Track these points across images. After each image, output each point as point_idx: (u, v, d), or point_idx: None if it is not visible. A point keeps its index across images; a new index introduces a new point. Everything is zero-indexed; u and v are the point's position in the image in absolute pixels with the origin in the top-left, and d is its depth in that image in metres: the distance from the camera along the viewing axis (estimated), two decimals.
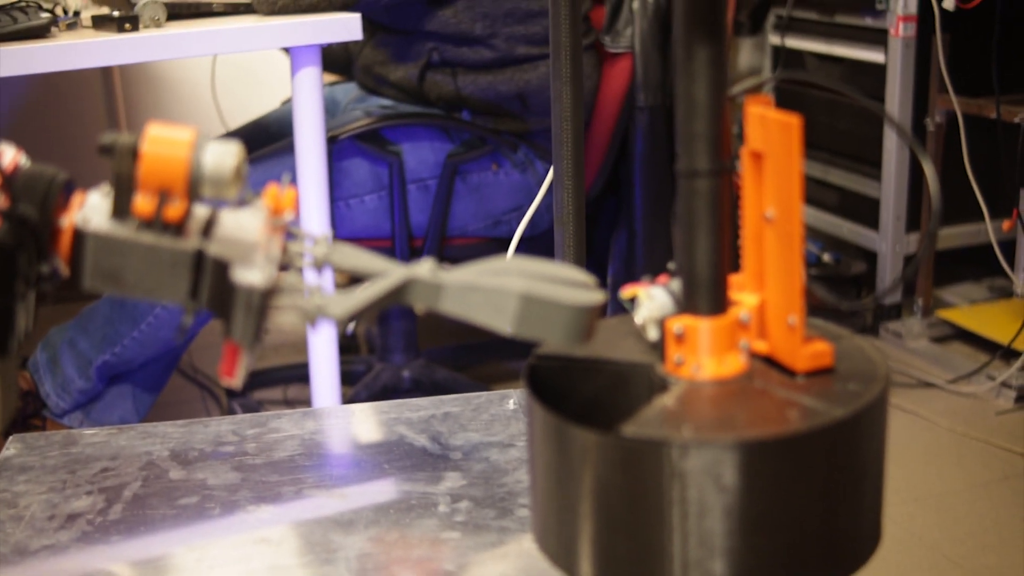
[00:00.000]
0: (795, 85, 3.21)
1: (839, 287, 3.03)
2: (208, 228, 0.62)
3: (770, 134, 0.63)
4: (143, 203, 0.60)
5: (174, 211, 0.61)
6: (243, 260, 0.62)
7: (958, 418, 2.47)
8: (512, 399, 1.20)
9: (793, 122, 0.61)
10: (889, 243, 2.86)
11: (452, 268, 0.66)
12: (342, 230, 2.18)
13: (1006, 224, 2.65)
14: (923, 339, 2.84)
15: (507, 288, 0.63)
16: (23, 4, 1.71)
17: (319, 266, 0.66)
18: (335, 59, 2.53)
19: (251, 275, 0.61)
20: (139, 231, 0.61)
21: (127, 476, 1.08)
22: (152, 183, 0.60)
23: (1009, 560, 1.93)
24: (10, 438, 1.15)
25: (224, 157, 0.61)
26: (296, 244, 0.66)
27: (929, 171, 0.65)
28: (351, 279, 0.66)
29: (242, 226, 0.62)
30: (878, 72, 2.83)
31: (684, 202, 0.65)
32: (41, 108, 3.32)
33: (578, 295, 0.65)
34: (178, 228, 0.61)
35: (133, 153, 0.60)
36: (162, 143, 0.60)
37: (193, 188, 0.61)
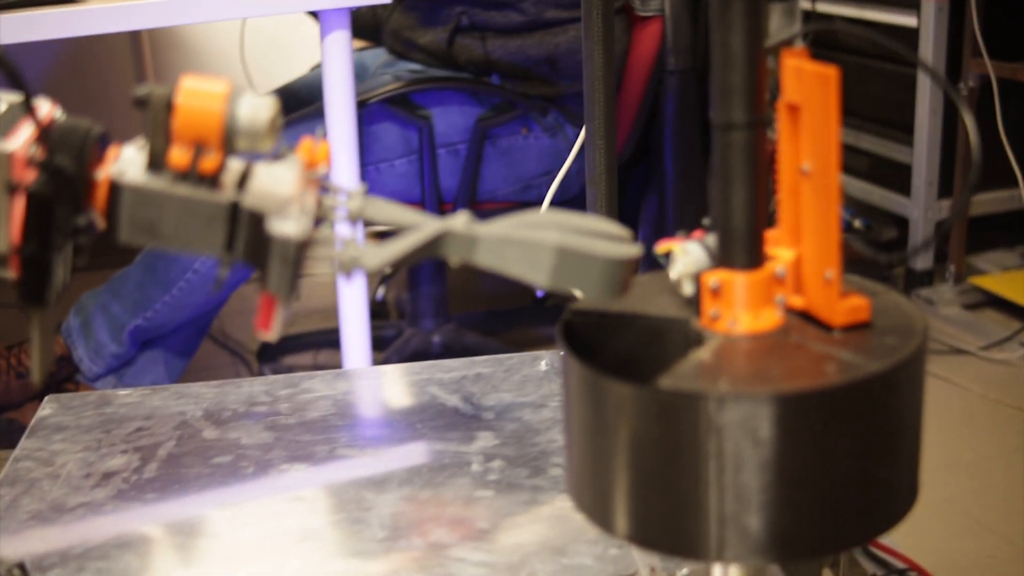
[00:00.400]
0: (827, 43, 3.18)
1: (872, 258, 3.01)
2: (243, 181, 0.62)
3: (806, 86, 0.63)
4: (178, 155, 0.60)
5: (209, 163, 0.61)
6: (278, 212, 0.62)
7: (991, 385, 2.45)
8: (544, 360, 1.20)
9: (831, 73, 0.60)
10: (921, 209, 2.84)
11: (486, 221, 0.66)
12: (372, 194, 2.18)
13: None
14: (955, 306, 2.83)
15: (542, 241, 0.63)
16: None
17: (353, 220, 0.66)
18: (364, 25, 2.52)
19: (286, 226, 0.61)
20: (175, 183, 0.61)
21: (161, 436, 1.08)
22: (187, 135, 0.60)
23: None
24: (45, 398, 1.16)
25: (259, 109, 0.61)
26: (330, 198, 0.66)
27: (969, 121, 0.64)
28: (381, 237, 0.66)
29: (277, 179, 0.62)
30: (911, 36, 2.80)
31: (720, 155, 0.64)
32: (71, 77, 3.33)
33: (613, 248, 0.64)
34: (213, 180, 0.61)
35: (168, 105, 0.60)
36: (197, 95, 0.60)
37: (228, 140, 0.61)
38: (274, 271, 0.62)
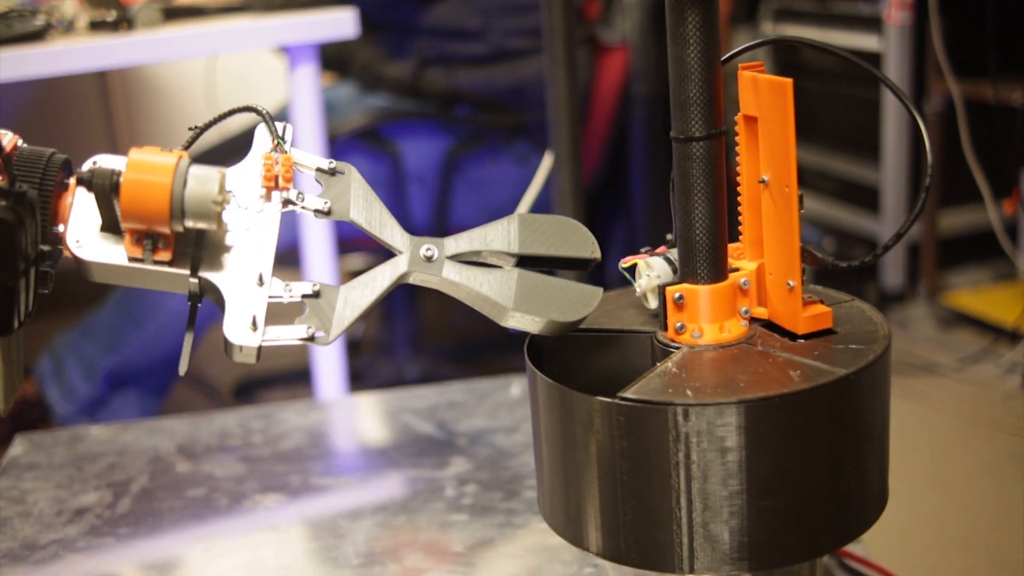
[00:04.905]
0: (795, 67, 3.20)
1: (841, 275, 3.02)
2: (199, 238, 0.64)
3: (762, 97, 0.63)
4: (132, 249, 0.61)
5: (163, 254, 0.62)
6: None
7: (965, 401, 2.46)
8: (516, 385, 1.20)
9: (785, 83, 0.61)
10: (890, 229, 2.86)
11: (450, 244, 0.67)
12: (343, 229, 2.18)
13: (1007, 204, 2.64)
14: (928, 324, 2.84)
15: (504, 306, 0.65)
16: (18, 11, 1.72)
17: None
18: (333, 59, 2.53)
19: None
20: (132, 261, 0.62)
21: (134, 470, 1.08)
22: (134, 218, 0.60)
23: (1018, 539, 1.93)
24: (16, 437, 1.15)
25: (206, 184, 0.61)
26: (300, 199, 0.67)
27: (924, 131, 0.64)
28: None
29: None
30: (874, 60, 2.82)
31: (679, 168, 0.65)
32: (41, 118, 3.32)
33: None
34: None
35: (113, 185, 0.60)
36: (142, 181, 0.61)
37: (175, 219, 0.61)
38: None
